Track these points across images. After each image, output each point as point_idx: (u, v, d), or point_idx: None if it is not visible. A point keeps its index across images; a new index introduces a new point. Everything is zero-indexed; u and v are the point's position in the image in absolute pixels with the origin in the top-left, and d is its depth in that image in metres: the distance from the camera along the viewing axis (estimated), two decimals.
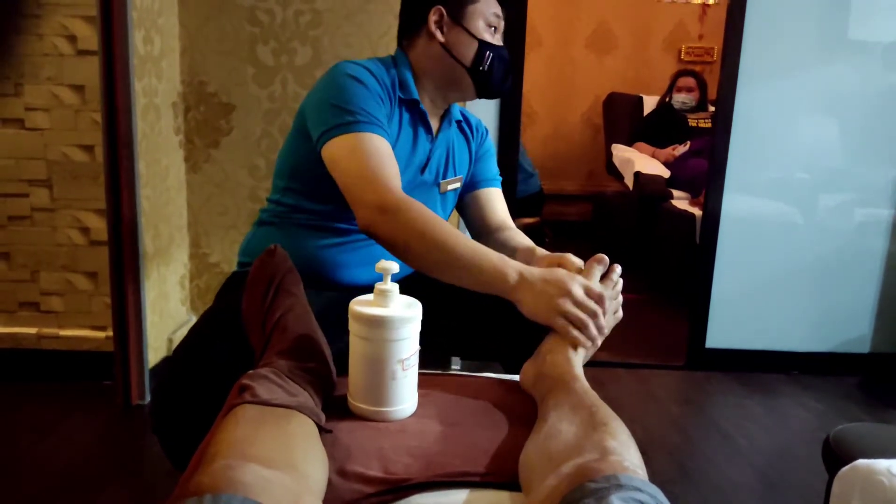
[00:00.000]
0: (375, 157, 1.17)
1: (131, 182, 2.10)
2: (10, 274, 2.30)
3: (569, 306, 1.05)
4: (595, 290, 1.08)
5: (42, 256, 2.29)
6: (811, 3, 2.56)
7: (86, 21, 2.15)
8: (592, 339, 1.06)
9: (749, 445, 2.18)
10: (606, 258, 1.14)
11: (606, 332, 1.10)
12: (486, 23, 1.33)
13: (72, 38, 2.16)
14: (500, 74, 1.35)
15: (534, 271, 1.09)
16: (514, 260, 1.12)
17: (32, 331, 2.32)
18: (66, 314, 2.32)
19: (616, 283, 1.14)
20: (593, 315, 1.06)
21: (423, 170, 1.36)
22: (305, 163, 1.28)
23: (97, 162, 2.21)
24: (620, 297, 1.16)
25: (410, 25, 1.36)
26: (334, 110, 1.21)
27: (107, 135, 2.06)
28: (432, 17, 1.32)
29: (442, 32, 1.32)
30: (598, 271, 1.12)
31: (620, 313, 1.16)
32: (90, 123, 2.20)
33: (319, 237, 1.29)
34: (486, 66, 1.32)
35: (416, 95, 1.33)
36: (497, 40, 1.35)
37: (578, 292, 1.06)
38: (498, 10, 1.34)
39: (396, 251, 1.14)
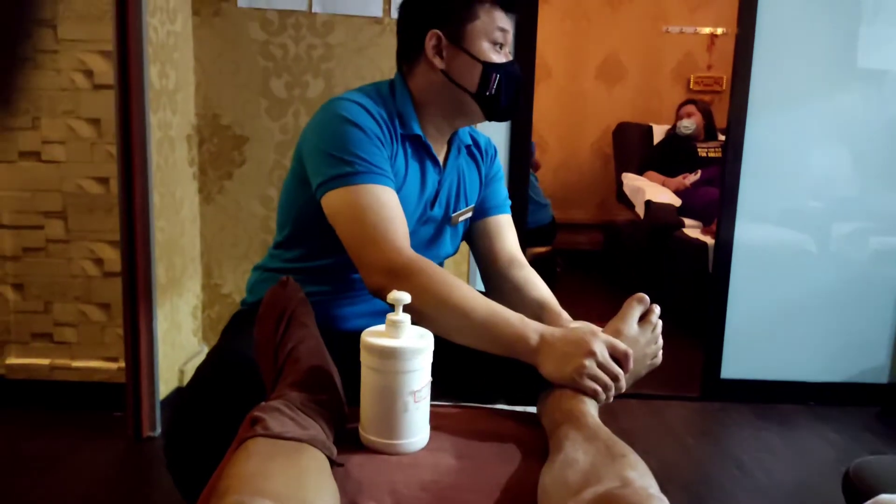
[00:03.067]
0: (378, 212, 1.10)
1: (146, 213, 2.12)
2: (24, 305, 2.31)
3: (593, 369, 1.00)
4: (620, 348, 1.02)
5: (56, 288, 2.30)
6: (819, 32, 2.57)
7: (102, 56, 2.19)
8: (610, 399, 1.02)
9: (767, 478, 2.14)
10: (647, 298, 1.09)
11: (644, 373, 1.06)
12: (490, 40, 1.21)
13: (88, 73, 2.20)
14: (509, 95, 1.24)
15: (555, 332, 1.03)
16: (534, 321, 1.06)
17: (45, 362, 2.33)
18: (78, 345, 2.33)
19: (655, 326, 1.10)
20: (615, 378, 1.01)
21: (432, 204, 1.30)
22: (307, 211, 1.21)
23: (112, 194, 2.23)
24: (661, 341, 1.11)
25: (408, 51, 1.27)
26: (329, 159, 1.13)
27: (122, 167, 2.09)
28: (429, 43, 1.21)
29: (441, 58, 1.22)
30: (638, 311, 1.09)
31: (659, 359, 1.11)
32: (105, 156, 2.23)
33: (324, 291, 1.23)
34: (493, 90, 1.22)
35: (417, 131, 1.24)
36: (504, 57, 1.24)
37: (602, 352, 1.01)
38: (504, 22, 1.22)
39: (410, 315, 1.08)
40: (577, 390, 1.01)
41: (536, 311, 1.24)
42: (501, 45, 1.23)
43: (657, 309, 1.10)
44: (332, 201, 1.13)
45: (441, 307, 1.04)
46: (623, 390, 1.03)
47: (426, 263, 1.08)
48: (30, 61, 2.19)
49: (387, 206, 1.11)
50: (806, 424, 2.56)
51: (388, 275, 1.06)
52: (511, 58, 1.26)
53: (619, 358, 1.03)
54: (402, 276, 1.05)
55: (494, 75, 1.21)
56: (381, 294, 1.08)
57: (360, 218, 1.10)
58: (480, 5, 1.21)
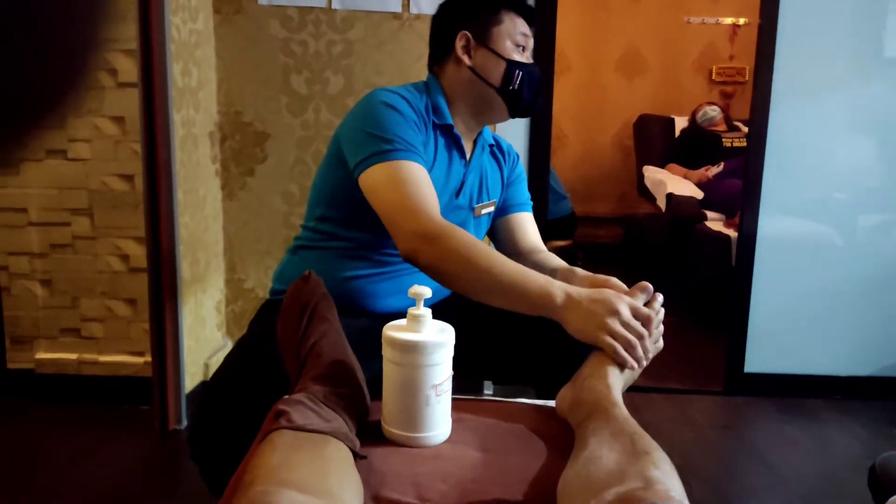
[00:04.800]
0: (414, 184, 1.17)
1: (170, 210, 2.15)
2: (52, 300, 2.36)
3: (616, 326, 1.04)
4: (643, 312, 1.07)
5: (83, 283, 2.34)
6: (843, 20, 2.54)
7: (126, 55, 2.21)
8: (638, 361, 1.05)
9: (791, 473, 2.12)
10: (650, 286, 1.13)
11: (649, 359, 1.08)
12: (514, 42, 1.34)
13: (113, 72, 2.23)
14: (530, 92, 1.36)
15: (581, 291, 1.08)
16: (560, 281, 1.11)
17: (73, 356, 2.37)
18: (105, 340, 2.37)
19: (658, 312, 1.12)
20: (640, 337, 1.05)
21: (457, 194, 1.37)
22: (342, 190, 1.29)
23: (137, 191, 2.27)
24: (662, 327, 1.14)
25: (439, 52, 1.39)
26: (370, 138, 1.21)
27: (146, 164, 2.12)
28: (459, 43, 1.34)
29: (469, 56, 1.34)
30: (641, 299, 1.11)
31: (661, 343, 1.14)
32: (130, 154, 2.26)
33: (354, 266, 1.30)
34: (516, 85, 1.33)
35: (449, 120, 1.34)
36: (526, 59, 1.36)
37: (626, 313, 1.05)
38: (525, 28, 1.35)
39: (441, 278, 1.14)
40: (596, 358, 1.05)
41: (553, 276, 1.26)
42: (523, 49, 1.35)
43: (660, 297, 1.14)
44: (371, 176, 1.20)
45: (471, 268, 1.10)
46: (648, 356, 1.06)
47: (456, 228, 1.14)
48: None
49: (422, 181, 1.19)
50: (831, 418, 2.53)
51: (420, 239, 1.13)
52: (532, 62, 1.37)
53: (643, 319, 1.07)
54: (432, 238, 1.12)
55: (517, 72, 1.33)
56: (413, 258, 1.15)
57: (397, 189, 1.17)
58: (505, 11, 1.34)
